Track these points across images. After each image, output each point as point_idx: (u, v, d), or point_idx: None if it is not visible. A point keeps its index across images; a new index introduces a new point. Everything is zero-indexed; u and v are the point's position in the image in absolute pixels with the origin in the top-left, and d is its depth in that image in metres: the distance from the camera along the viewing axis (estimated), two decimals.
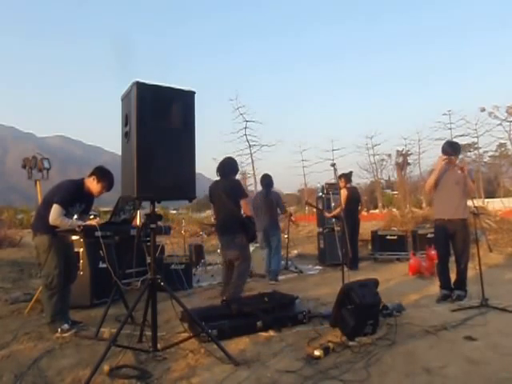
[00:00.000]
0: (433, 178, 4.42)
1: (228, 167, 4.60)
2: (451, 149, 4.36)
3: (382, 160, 44.20)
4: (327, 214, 7.19)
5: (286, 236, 7.49)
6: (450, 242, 4.46)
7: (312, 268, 7.34)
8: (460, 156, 4.74)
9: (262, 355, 2.89)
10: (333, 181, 7.58)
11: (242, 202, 4.45)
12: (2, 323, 3.95)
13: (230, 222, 4.42)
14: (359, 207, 7.15)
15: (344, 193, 6.73)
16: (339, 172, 6.71)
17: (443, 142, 4.60)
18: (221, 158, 4.78)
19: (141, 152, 2.61)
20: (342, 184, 6.99)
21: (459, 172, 4.31)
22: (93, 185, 3.59)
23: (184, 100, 2.83)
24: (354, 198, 6.97)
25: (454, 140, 4.86)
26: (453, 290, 4.38)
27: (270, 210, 6.27)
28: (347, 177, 7.10)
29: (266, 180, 6.45)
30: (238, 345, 3.10)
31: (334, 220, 7.02)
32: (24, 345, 3.23)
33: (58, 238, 3.47)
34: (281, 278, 6.31)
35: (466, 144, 40.76)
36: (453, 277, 4.46)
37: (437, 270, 4.57)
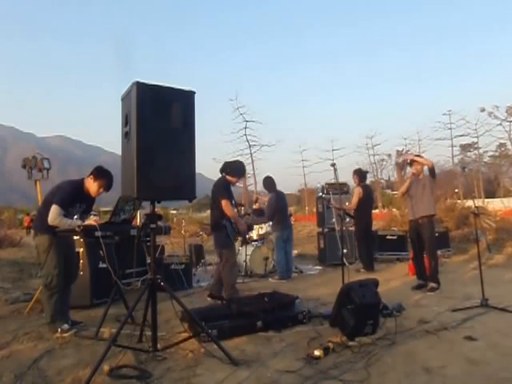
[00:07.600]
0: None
1: (223, 166, 4.67)
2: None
3: (382, 160, 44.26)
4: (336, 206, 6.47)
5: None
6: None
7: (312, 268, 7.34)
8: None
9: (262, 355, 2.89)
10: (333, 181, 7.54)
11: (223, 202, 4.37)
12: (2, 323, 3.95)
13: (212, 221, 4.57)
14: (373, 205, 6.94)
15: (358, 191, 6.46)
16: (339, 172, 6.56)
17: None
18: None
19: (141, 152, 2.61)
20: (355, 181, 6.69)
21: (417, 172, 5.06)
22: (90, 184, 3.58)
23: (184, 100, 2.83)
24: (369, 196, 6.75)
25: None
26: (427, 282, 4.93)
27: None
28: (361, 174, 6.81)
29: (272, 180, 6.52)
30: (237, 345, 3.10)
31: (347, 219, 6.28)
32: (24, 345, 3.23)
33: (58, 237, 3.46)
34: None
35: (466, 144, 40.77)
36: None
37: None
